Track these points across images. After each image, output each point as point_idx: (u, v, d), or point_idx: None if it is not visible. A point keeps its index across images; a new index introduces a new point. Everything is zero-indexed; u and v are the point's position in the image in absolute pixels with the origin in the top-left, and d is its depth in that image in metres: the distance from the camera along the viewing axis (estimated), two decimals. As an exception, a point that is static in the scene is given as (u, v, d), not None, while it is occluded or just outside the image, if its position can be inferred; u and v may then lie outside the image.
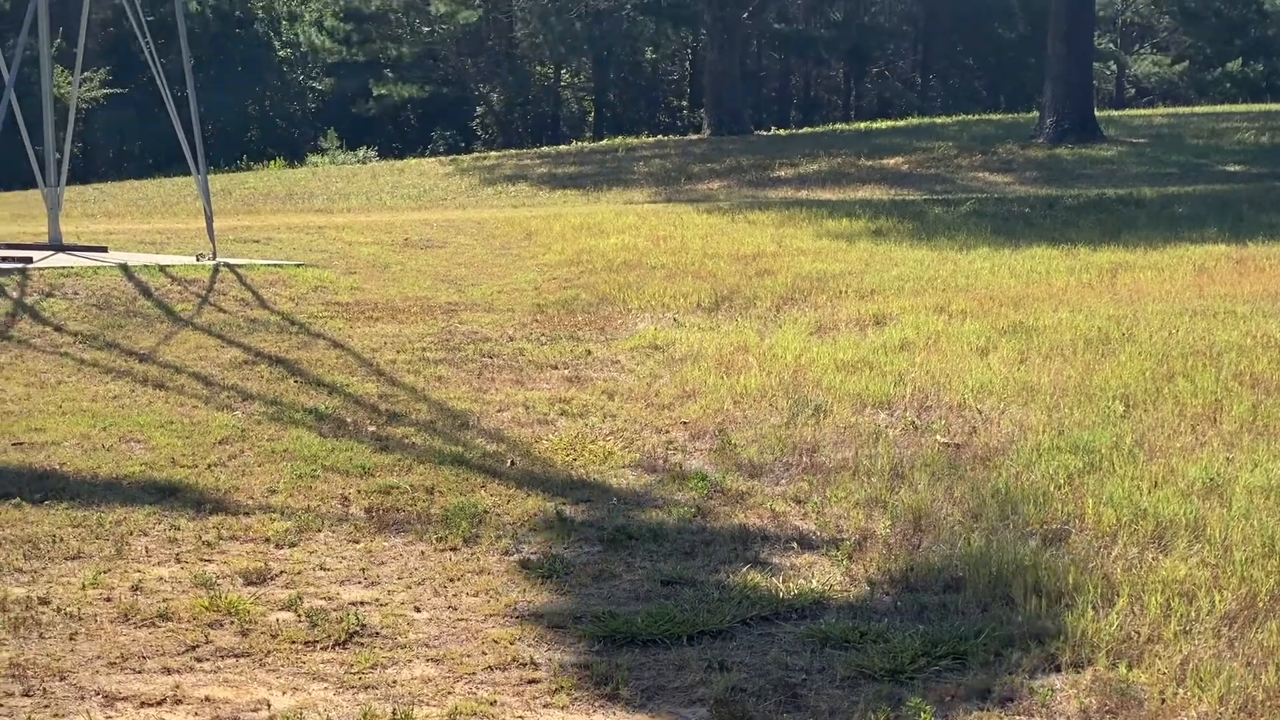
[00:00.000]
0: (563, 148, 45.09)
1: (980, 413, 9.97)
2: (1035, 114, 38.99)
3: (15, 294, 14.22)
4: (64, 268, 15.45)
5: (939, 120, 45.69)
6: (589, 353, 12.84)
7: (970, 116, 46.71)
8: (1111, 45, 63.72)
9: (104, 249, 17.67)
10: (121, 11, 45.56)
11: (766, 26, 58.00)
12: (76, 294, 14.39)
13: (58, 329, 13.18)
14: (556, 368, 12.33)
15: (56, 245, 17.86)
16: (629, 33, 61.93)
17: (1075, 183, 28.06)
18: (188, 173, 21.87)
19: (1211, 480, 8.16)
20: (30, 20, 17.37)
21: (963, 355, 11.65)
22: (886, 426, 9.83)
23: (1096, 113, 37.08)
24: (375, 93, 59.58)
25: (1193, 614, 6.41)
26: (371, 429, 10.35)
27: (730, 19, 43.19)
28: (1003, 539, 7.41)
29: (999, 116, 45.83)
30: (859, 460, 9.07)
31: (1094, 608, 6.53)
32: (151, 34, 18.27)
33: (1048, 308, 13.41)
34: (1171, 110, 46.61)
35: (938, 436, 9.52)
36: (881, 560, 7.41)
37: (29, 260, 15.80)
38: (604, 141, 46.75)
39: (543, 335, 13.61)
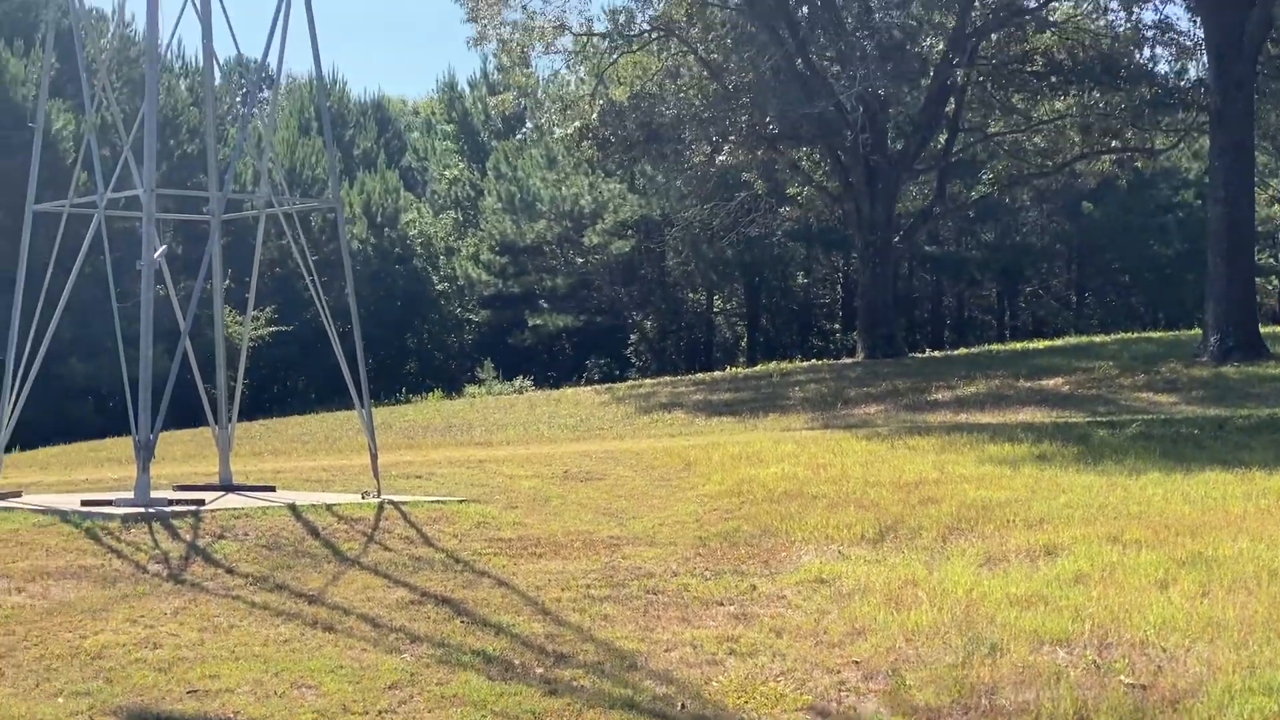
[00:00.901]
0: (717, 374, 45.30)
1: (1165, 651, 9.65)
2: (1197, 331, 38.49)
3: (189, 537, 14.48)
4: (234, 509, 15.74)
5: (1097, 339, 45.26)
6: (754, 588, 12.69)
7: (1130, 335, 46.24)
8: (1273, 260, 63.02)
9: (272, 488, 18.01)
10: (287, 251, 47.34)
11: (918, 249, 58.29)
12: (247, 535, 14.61)
13: (229, 571, 13.36)
14: (722, 604, 12.19)
15: (227, 485, 18.27)
16: (780, 258, 62.74)
17: (1244, 402, 27.48)
18: (349, 406, 22.30)
19: None
20: (206, 266, 18.02)
21: (1141, 588, 11.32)
22: (1067, 666, 9.54)
23: (1261, 329, 36.51)
24: (530, 323, 60.82)
25: None
26: (539, 671, 10.28)
27: (881, 242, 43.41)
28: (1200, 790, 7.10)
29: (1160, 334, 45.31)
30: (1040, 703, 8.80)
31: None
32: (315, 272, 18.83)
33: (1226, 536, 13.03)
34: (1338, 325, 45.83)
35: (1122, 677, 9.21)
36: (1072, 813, 7.12)
37: (201, 503, 16.15)
38: (758, 367, 46.95)
39: (707, 570, 13.50)
